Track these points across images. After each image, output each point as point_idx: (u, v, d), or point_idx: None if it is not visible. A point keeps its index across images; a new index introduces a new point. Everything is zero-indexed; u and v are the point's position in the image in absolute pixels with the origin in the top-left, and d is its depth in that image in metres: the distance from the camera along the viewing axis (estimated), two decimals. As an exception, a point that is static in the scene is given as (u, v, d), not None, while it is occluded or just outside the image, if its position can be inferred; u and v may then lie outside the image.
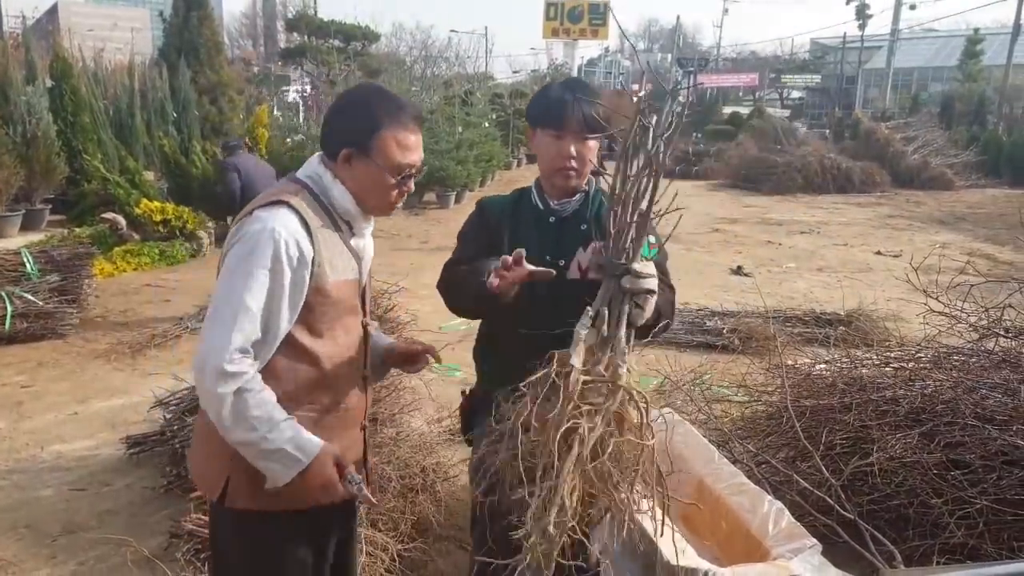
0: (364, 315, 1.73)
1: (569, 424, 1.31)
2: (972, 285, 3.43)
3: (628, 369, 1.44)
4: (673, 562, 1.96)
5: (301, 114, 13.91)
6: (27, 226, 9.37)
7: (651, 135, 1.56)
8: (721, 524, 2.38)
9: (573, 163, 1.85)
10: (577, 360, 1.42)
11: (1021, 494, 2.38)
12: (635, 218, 1.52)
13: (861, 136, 19.27)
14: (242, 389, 1.45)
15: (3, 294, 5.29)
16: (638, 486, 1.36)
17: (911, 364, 3.34)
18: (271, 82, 22.97)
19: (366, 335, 1.73)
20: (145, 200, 8.41)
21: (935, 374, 3.13)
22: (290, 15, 31.07)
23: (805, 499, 2.66)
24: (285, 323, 1.52)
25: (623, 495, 1.35)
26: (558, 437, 1.30)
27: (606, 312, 1.50)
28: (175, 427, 3.50)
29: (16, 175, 9.10)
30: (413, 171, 1.63)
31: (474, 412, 2.07)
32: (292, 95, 23.43)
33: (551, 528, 1.25)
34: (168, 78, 12.23)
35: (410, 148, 1.61)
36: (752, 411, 3.70)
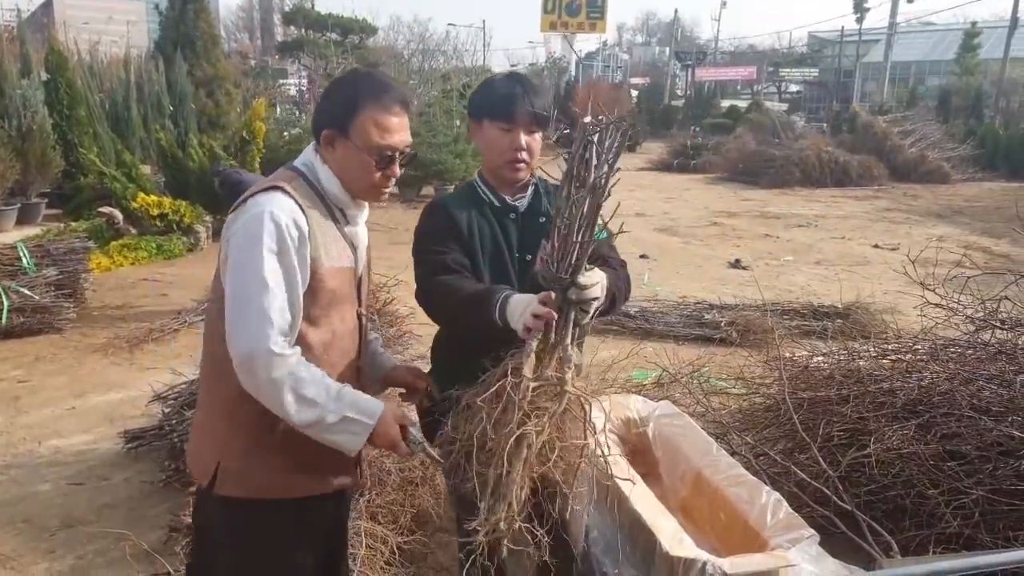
0: (360, 305, 1.71)
1: (520, 431, 1.39)
2: (968, 277, 3.45)
3: (573, 375, 1.52)
4: (672, 552, 1.97)
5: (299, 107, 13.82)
6: (23, 220, 9.33)
7: (595, 159, 1.63)
8: (719, 515, 2.39)
9: (523, 155, 1.89)
10: (528, 370, 1.48)
11: (1016, 484, 2.40)
12: (579, 239, 1.59)
13: (859, 130, 19.26)
14: (293, 372, 1.44)
15: None
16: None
17: (908, 356, 3.36)
18: (268, 75, 22.88)
19: (362, 326, 1.72)
20: (142, 194, 8.38)
21: (932, 366, 3.14)
22: (287, 8, 30.97)
23: (803, 490, 2.68)
24: (302, 302, 1.51)
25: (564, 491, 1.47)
26: (510, 443, 1.38)
27: (553, 321, 1.56)
28: (173, 421, 3.50)
29: (12, 169, 9.06)
30: (396, 154, 1.60)
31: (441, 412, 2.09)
32: (293, 89, 23.36)
33: (502, 525, 1.35)
34: (164, 71, 12.17)
35: (390, 130, 1.58)
36: (750, 403, 3.72)
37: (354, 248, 1.67)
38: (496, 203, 1.94)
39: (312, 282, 1.53)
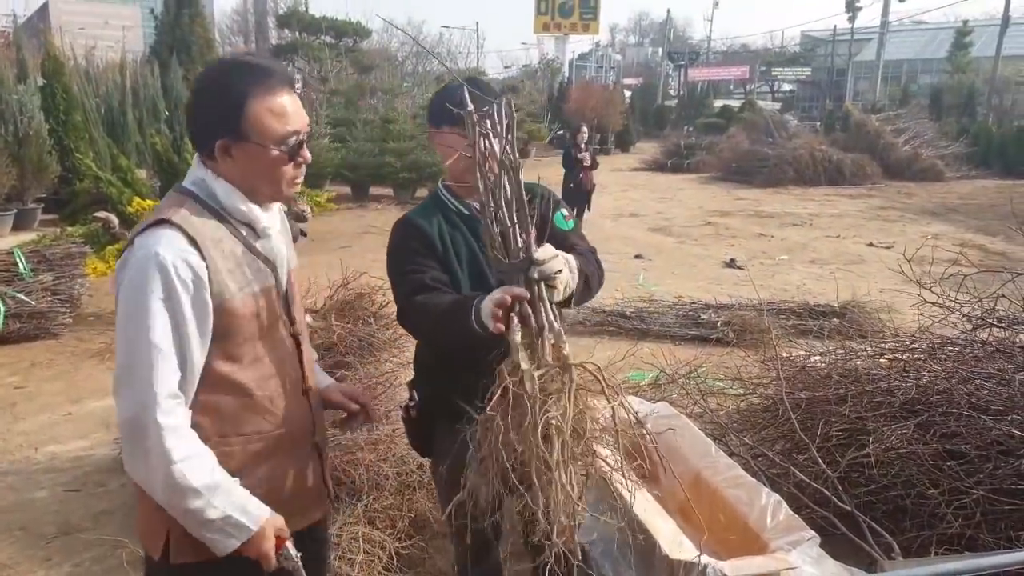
0: (292, 324, 1.54)
1: (544, 420, 1.34)
2: (965, 276, 3.45)
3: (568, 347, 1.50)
4: (672, 556, 1.97)
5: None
6: (19, 225, 9.30)
7: (494, 138, 1.58)
8: (719, 517, 2.38)
9: None
10: (524, 363, 1.44)
11: (1017, 483, 2.39)
12: (515, 218, 1.55)
13: (852, 128, 19.32)
14: (180, 450, 1.29)
15: (-6, 295, 5.26)
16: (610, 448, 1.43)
17: (905, 355, 3.36)
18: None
19: (298, 346, 1.55)
20: (138, 199, 8.32)
21: (930, 365, 3.15)
22: (281, 11, 30.87)
23: (802, 491, 2.68)
24: (199, 354, 1.36)
25: (600, 457, 1.42)
26: (539, 439, 1.33)
27: (529, 309, 1.53)
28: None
29: (8, 174, 9.04)
30: (301, 138, 1.43)
31: (429, 417, 1.99)
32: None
33: (563, 519, 1.29)
34: (160, 76, 12.17)
35: (287, 114, 1.40)
36: (748, 404, 3.72)
37: (272, 264, 1.49)
38: (464, 210, 1.92)
39: (223, 321, 1.37)
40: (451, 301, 1.72)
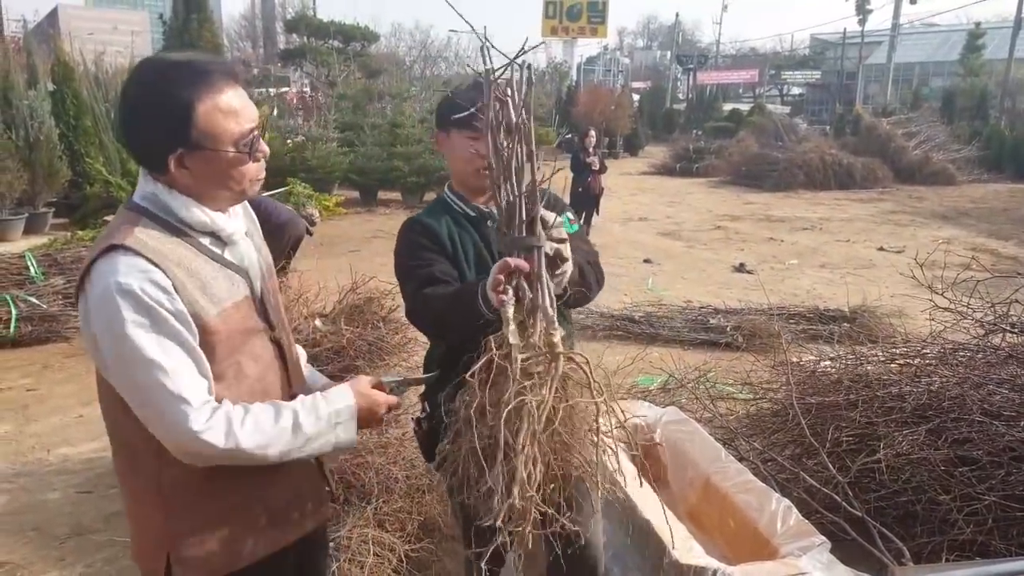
0: (272, 329, 1.46)
1: (516, 402, 1.31)
2: (978, 281, 3.43)
3: (561, 336, 1.45)
4: (682, 561, 1.96)
5: (300, 115, 13.89)
6: (30, 230, 9.37)
7: (511, 106, 1.52)
8: (729, 522, 2.38)
9: None
10: (513, 337, 1.41)
11: (1030, 490, 2.38)
12: (521, 189, 1.51)
13: (862, 132, 19.23)
14: (239, 436, 1.27)
15: (8, 298, 5.30)
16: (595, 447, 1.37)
17: (917, 360, 3.34)
18: (271, 83, 22.98)
19: (282, 350, 1.49)
20: (147, 203, 8.40)
21: (941, 370, 3.13)
22: (289, 16, 31.07)
23: (812, 496, 2.66)
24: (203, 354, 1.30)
25: (585, 457, 1.36)
26: (507, 415, 1.30)
27: (525, 285, 1.49)
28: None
29: (19, 179, 9.11)
30: (256, 132, 1.34)
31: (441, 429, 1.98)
32: (293, 89, 23.38)
33: (517, 503, 1.26)
34: (169, 80, 12.21)
35: (237, 111, 1.30)
36: (757, 408, 3.70)
37: (244, 271, 1.41)
38: (471, 212, 1.92)
39: (202, 340, 1.29)
40: (458, 287, 1.73)
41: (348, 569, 2.50)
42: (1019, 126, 20.04)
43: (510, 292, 1.47)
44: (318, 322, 3.74)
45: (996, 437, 2.56)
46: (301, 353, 1.71)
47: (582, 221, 9.40)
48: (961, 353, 3.29)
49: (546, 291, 1.49)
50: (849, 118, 22.66)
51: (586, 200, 9.36)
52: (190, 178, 1.31)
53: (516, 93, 1.53)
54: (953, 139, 18.56)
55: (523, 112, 1.52)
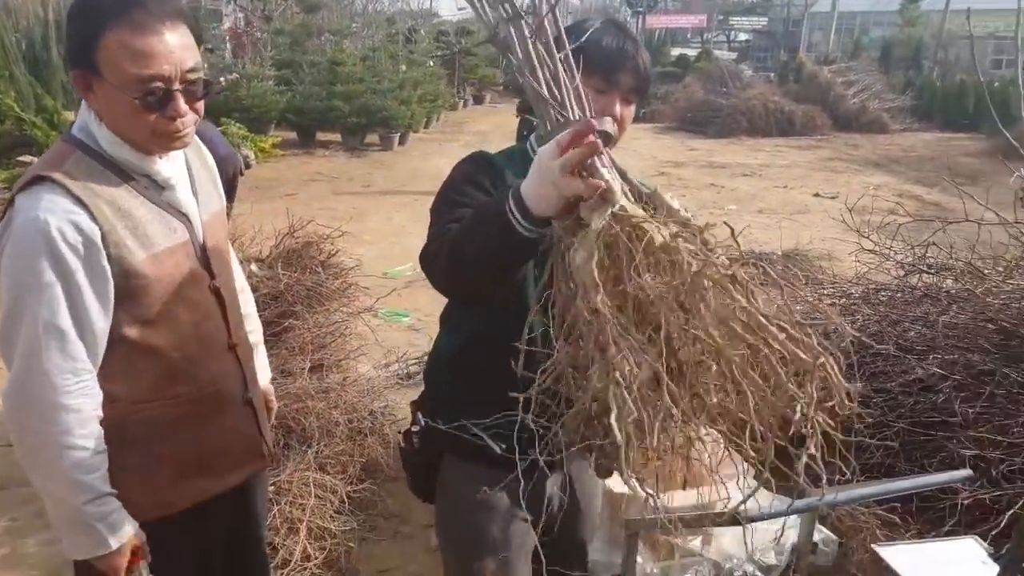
0: (213, 278, 1.41)
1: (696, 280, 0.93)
2: (900, 224, 3.58)
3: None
4: (615, 490, 2.05)
5: (228, 51, 13.22)
6: (-59, 171, 8.81)
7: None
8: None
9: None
10: (619, 196, 1.00)
11: (932, 416, 2.55)
12: (564, 65, 1.15)
13: (804, 80, 19.49)
14: (74, 437, 1.21)
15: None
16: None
17: (842, 300, 3.49)
18: (201, 17, 21.77)
19: (222, 300, 1.44)
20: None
21: (864, 309, 3.28)
22: (221, -55, 29.27)
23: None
24: (102, 323, 1.24)
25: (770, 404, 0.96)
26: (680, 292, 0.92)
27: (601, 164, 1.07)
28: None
29: (-76, 116, 8.50)
30: (170, 87, 1.21)
31: (435, 451, 1.54)
32: (226, 24, 22.21)
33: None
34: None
35: (150, 55, 1.17)
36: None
37: (184, 216, 1.35)
38: None
39: (128, 285, 1.25)
40: (481, 202, 1.27)
41: (290, 512, 2.53)
42: (949, 77, 20.61)
43: (601, 164, 1.03)
44: (254, 267, 3.66)
45: (908, 370, 2.72)
46: (249, 307, 1.67)
47: (527, 166, 9.44)
48: (883, 293, 3.46)
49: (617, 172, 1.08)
50: (792, 66, 22.90)
51: (531, 144, 9.29)
52: (100, 109, 1.25)
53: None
54: (889, 88, 18.99)
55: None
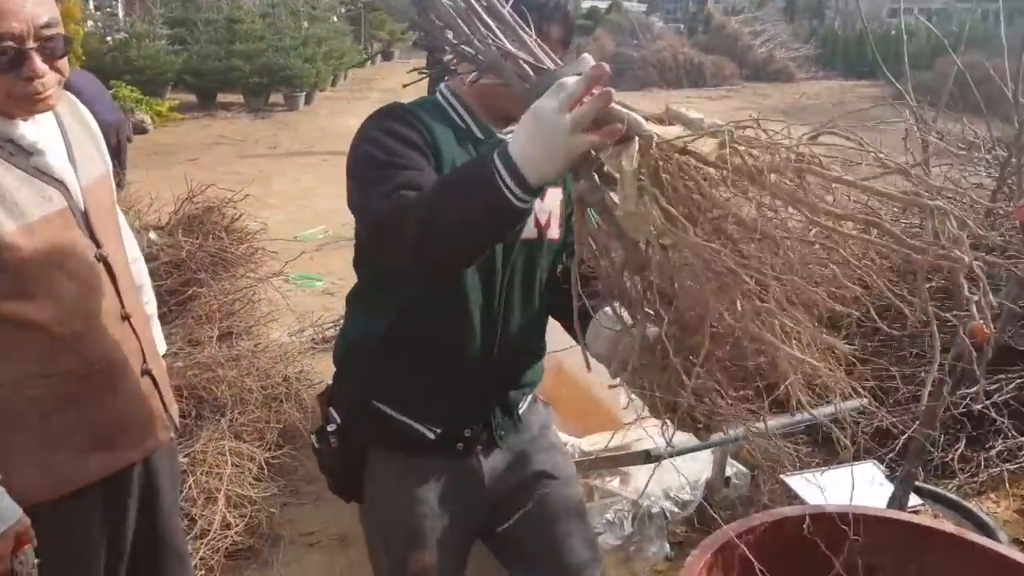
0: (99, 247, 1.33)
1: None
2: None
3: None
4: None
5: (120, 7, 12.37)
6: None
7: None
8: (580, 403, 2.52)
9: None
10: (643, 122, 0.91)
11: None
12: None
13: (713, 30, 19.84)
14: None
15: None
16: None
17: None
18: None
19: (111, 270, 1.35)
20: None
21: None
22: None
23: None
24: None
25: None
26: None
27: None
28: None
29: None
30: (21, 45, 1.13)
31: (360, 447, 1.39)
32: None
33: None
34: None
35: None
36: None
37: (59, 182, 1.27)
38: (480, 135, 1.29)
39: (1, 257, 1.17)
40: (456, 169, 1.13)
41: (206, 482, 2.46)
42: (850, 26, 21.40)
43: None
44: (152, 235, 3.46)
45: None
46: (143, 279, 1.58)
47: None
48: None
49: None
50: (701, 17, 23.23)
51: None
52: None
53: None
54: (794, 38, 19.57)
55: None
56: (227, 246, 3.51)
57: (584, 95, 0.90)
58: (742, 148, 0.87)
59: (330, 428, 1.37)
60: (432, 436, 1.30)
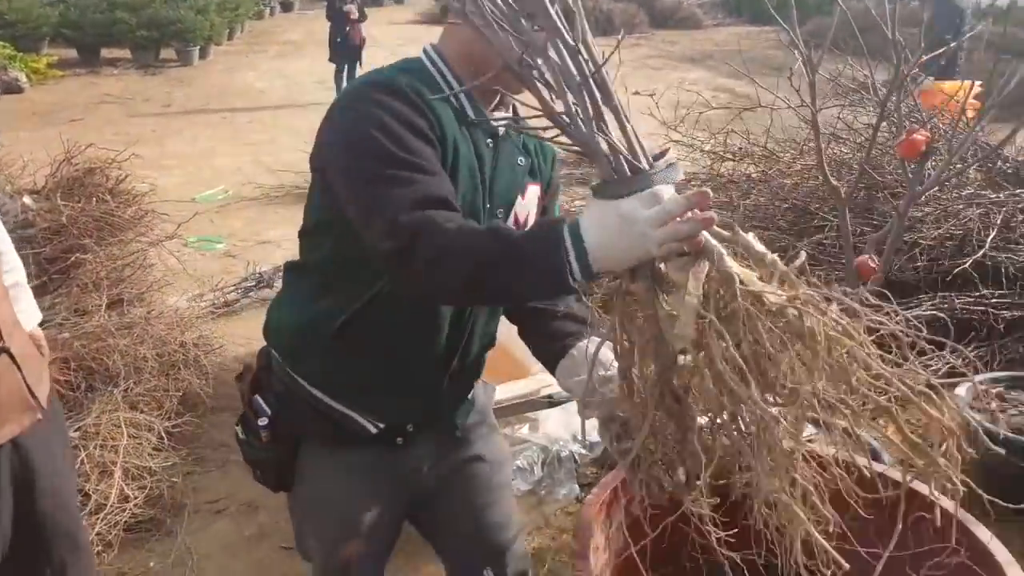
0: None
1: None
2: (701, 112, 3.77)
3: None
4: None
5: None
6: None
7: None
8: (497, 355, 2.52)
9: None
10: (737, 267, 0.88)
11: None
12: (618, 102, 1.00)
13: (621, -22, 19.78)
14: None
15: None
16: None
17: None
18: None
19: None
20: None
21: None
22: None
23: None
24: None
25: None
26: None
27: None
28: None
29: None
30: None
31: (292, 439, 1.29)
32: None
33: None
34: None
35: None
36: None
37: None
38: (471, 114, 1.16)
39: None
40: (520, 237, 1.00)
41: (101, 455, 2.36)
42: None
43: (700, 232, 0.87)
44: (27, 199, 3.20)
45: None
46: (16, 272, 1.46)
47: (344, 74, 8.83)
48: (693, 182, 3.66)
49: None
50: (609, -35, 23.09)
51: (347, 51, 8.76)
52: None
53: None
54: (700, -16, 19.76)
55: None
56: (113, 209, 3.29)
57: (681, 214, 0.87)
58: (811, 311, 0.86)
59: (261, 423, 1.25)
60: (374, 430, 1.24)
